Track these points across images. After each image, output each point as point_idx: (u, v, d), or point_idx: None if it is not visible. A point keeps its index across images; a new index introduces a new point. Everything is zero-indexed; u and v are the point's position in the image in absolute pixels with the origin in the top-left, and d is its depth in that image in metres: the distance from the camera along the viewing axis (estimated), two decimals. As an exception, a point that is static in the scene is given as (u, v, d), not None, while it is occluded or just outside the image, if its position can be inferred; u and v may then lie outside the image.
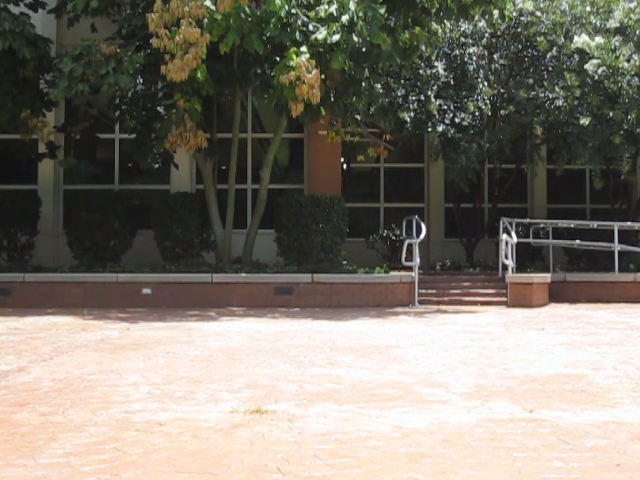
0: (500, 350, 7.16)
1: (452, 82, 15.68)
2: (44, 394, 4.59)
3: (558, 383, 4.99)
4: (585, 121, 14.67)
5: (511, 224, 15.51)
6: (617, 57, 14.65)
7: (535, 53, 16.03)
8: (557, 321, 10.76)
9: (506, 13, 13.92)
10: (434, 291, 14.42)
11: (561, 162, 15.99)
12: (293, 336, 8.52)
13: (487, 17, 14.05)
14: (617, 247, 15.06)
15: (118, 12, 14.37)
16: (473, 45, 15.95)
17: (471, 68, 15.74)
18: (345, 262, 15.00)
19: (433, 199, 18.54)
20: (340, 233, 15.02)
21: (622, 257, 15.46)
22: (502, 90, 15.93)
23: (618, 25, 15.23)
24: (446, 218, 18.50)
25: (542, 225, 16.85)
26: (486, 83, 15.66)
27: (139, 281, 13.36)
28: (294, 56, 11.35)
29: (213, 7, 11.49)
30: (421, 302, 13.72)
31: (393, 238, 16.59)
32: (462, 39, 15.95)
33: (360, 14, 11.47)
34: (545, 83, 15.50)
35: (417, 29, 13.22)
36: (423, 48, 13.74)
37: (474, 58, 15.85)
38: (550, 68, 15.81)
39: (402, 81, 15.48)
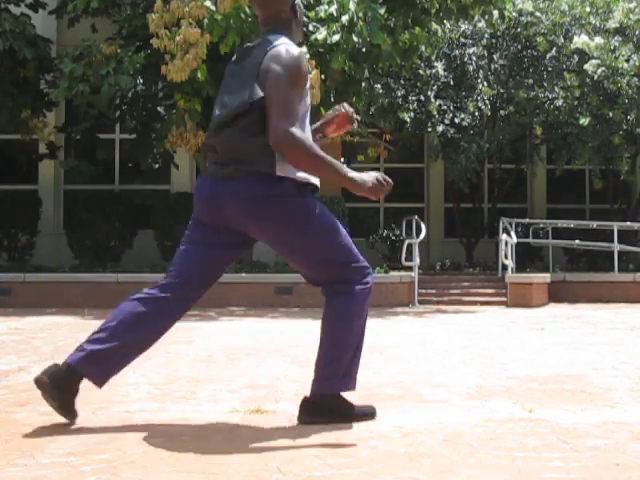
0: (500, 350, 7.16)
1: (452, 82, 15.71)
2: (44, 394, 4.59)
3: (558, 383, 4.99)
4: (585, 121, 14.70)
5: (511, 224, 15.53)
6: (617, 57, 14.68)
7: (535, 53, 16.06)
8: (557, 321, 10.77)
9: (506, 13, 13.95)
10: (434, 291, 14.43)
11: (561, 162, 16.03)
12: (293, 336, 8.52)
13: (487, 17, 14.08)
14: (617, 247, 15.08)
15: (118, 12, 14.39)
16: (473, 45, 15.97)
17: (471, 68, 15.77)
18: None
19: (433, 199, 18.55)
20: (340, 233, 15.00)
21: (622, 257, 15.48)
22: (502, 90, 15.95)
23: (618, 25, 15.26)
24: (446, 218, 18.51)
25: (542, 225, 16.86)
26: (486, 83, 15.68)
27: (139, 281, 13.31)
28: (294, 56, 11.35)
29: (213, 7, 11.50)
30: (421, 302, 13.72)
31: (393, 238, 16.60)
32: (462, 39, 15.98)
33: (360, 14, 11.48)
34: (545, 83, 15.53)
35: (417, 29, 13.23)
36: (423, 48, 13.74)
37: (474, 58, 15.87)
38: (550, 68, 15.84)
39: (402, 81, 15.50)
